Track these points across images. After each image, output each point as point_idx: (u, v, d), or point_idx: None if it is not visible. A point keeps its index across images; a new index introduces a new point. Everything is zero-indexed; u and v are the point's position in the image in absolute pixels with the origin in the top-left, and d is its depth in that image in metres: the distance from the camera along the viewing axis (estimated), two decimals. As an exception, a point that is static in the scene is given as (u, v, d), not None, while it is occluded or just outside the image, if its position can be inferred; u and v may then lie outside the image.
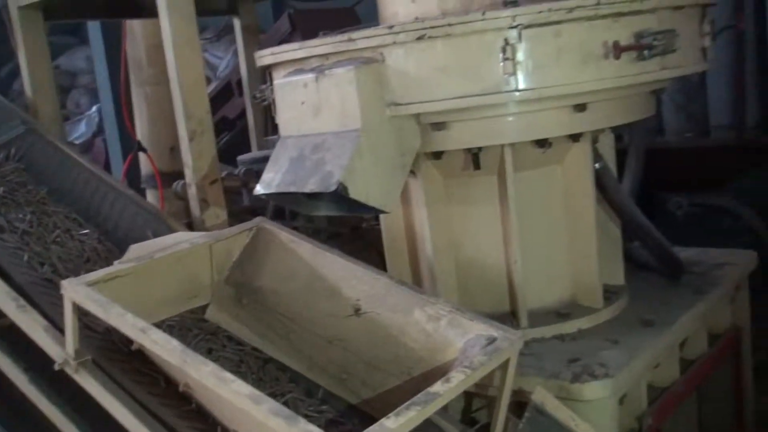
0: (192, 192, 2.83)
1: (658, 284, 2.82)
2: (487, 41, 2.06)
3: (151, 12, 2.91)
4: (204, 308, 2.38)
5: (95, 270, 2.14)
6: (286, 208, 3.37)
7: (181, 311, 2.34)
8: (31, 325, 2.14)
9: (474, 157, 2.36)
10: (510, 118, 2.27)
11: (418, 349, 2.06)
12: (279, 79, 2.36)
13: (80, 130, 9.22)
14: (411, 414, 1.60)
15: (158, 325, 2.00)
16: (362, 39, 2.16)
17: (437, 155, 2.41)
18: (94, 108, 9.10)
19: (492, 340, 1.90)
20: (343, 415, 2.13)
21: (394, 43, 2.12)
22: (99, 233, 2.71)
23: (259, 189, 2.27)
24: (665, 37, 2.14)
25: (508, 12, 2.04)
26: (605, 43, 2.10)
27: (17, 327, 2.18)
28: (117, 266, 2.14)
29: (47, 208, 2.76)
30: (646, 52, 2.12)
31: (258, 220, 2.45)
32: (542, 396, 2.06)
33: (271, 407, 1.60)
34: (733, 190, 5.05)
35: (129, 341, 2.13)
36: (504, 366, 1.90)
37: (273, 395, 2.09)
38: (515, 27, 2.04)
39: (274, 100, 2.43)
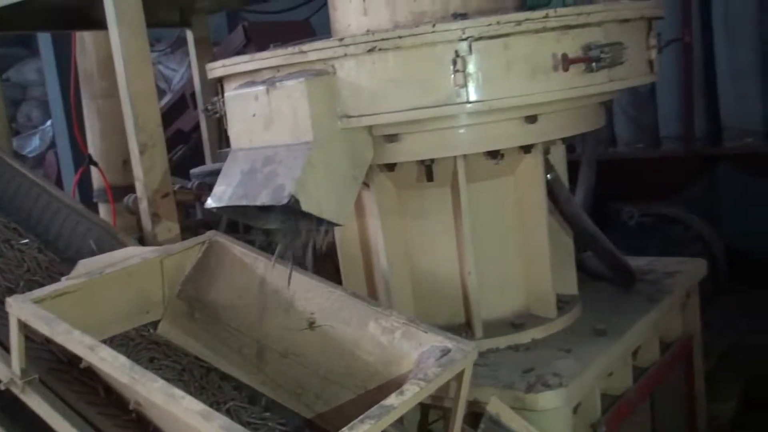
0: (143, 206, 2.79)
1: (610, 293, 2.85)
2: (437, 53, 2.07)
3: (101, 24, 2.87)
4: (155, 322, 2.35)
5: (35, 280, 2.10)
6: (240, 222, 3.34)
7: (133, 327, 2.31)
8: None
9: (427, 168, 2.36)
10: (462, 130, 2.29)
11: (373, 361, 2.05)
12: (230, 91, 2.34)
13: (33, 144, 9.07)
14: (365, 427, 1.59)
15: (104, 340, 1.96)
16: (313, 51, 2.15)
17: (390, 167, 2.41)
18: (48, 122, 8.96)
19: (446, 352, 1.90)
20: (297, 428, 2.12)
21: (345, 55, 2.12)
22: (40, 243, 2.66)
23: (211, 202, 2.25)
24: (612, 49, 2.18)
25: (458, 24, 2.05)
26: (554, 56, 2.12)
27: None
28: (65, 282, 2.10)
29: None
30: (594, 65, 2.14)
31: (211, 233, 2.43)
32: (497, 407, 2.07)
33: (222, 424, 1.58)
34: (684, 200, 5.15)
35: (79, 359, 2.09)
36: (459, 377, 1.90)
37: (216, 404, 2.08)
38: (465, 39, 2.05)
39: (225, 113, 2.41)
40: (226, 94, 2.36)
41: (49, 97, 7.98)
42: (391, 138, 2.26)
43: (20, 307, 1.92)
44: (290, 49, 2.21)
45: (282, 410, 2.15)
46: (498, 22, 2.06)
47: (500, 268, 2.58)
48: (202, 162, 4.42)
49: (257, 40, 5.14)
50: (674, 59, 4.96)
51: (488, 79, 2.09)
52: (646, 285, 2.88)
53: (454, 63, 2.06)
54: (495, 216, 2.55)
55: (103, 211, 4.56)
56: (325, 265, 3.14)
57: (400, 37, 2.06)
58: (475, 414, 2.12)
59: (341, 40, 2.13)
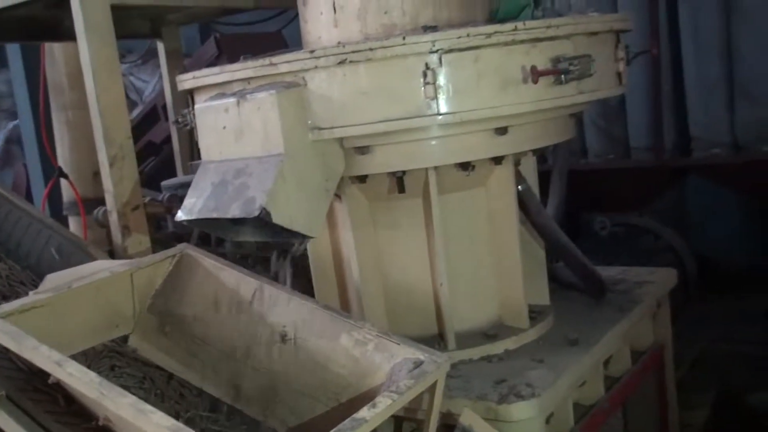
0: (113, 219, 2.77)
1: (582, 303, 2.86)
2: (408, 66, 2.08)
3: (69, 35, 2.85)
4: (125, 337, 2.33)
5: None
6: (212, 234, 3.32)
7: (102, 341, 2.28)
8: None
9: (398, 180, 2.37)
10: (433, 142, 2.29)
11: (346, 374, 2.04)
12: (200, 103, 2.33)
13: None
14: (337, 440, 1.58)
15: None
16: (284, 63, 2.15)
17: (362, 179, 2.41)
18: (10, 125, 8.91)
19: (419, 364, 1.90)
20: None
21: (316, 67, 2.12)
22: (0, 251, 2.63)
23: (181, 215, 2.23)
24: (581, 62, 2.20)
25: (428, 37, 2.06)
26: (523, 68, 2.13)
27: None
28: (33, 297, 2.08)
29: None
30: (563, 77, 2.16)
31: (182, 246, 2.42)
32: (470, 418, 2.07)
33: (192, 439, 1.57)
34: (654, 210, 5.20)
35: (47, 374, 2.05)
36: (431, 389, 1.91)
37: (177, 412, 2.06)
38: (435, 52, 2.06)
39: (196, 125, 2.40)
40: (196, 106, 2.35)
41: (18, 109, 7.89)
42: (363, 150, 2.26)
43: (-14, 323, 1.89)
44: (261, 61, 2.20)
45: (242, 417, 2.15)
46: (468, 35, 2.07)
47: (472, 279, 2.59)
48: (174, 174, 4.39)
49: (229, 51, 5.13)
50: (643, 71, 5.02)
51: (459, 91, 2.10)
52: (617, 295, 2.90)
53: (425, 75, 2.07)
54: (467, 227, 2.56)
55: (74, 224, 4.51)
56: (299, 277, 3.14)
57: (370, 50, 2.07)
58: (448, 426, 2.12)
59: (312, 52, 2.12)
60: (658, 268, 3.25)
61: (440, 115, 2.10)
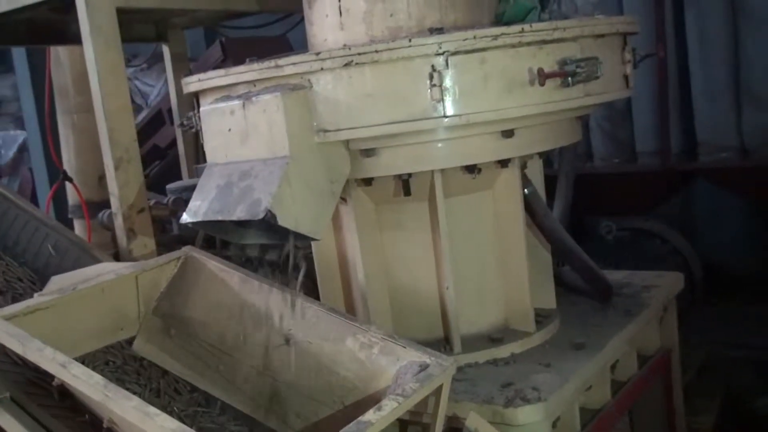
0: (118, 221, 2.77)
1: (588, 307, 2.84)
2: (414, 68, 2.07)
3: (75, 38, 2.85)
4: (130, 339, 2.32)
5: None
6: (217, 237, 3.31)
7: (107, 344, 2.28)
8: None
9: (404, 183, 2.36)
10: (439, 144, 2.28)
11: (351, 377, 2.04)
12: (206, 106, 2.32)
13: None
14: (342, 444, 1.57)
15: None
16: (289, 65, 2.14)
17: (367, 181, 2.40)
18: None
19: (424, 367, 1.89)
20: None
21: (322, 69, 2.12)
22: None
23: (186, 217, 2.23)
24: (588, 64, 2.19)
25: (434, 39, 2.05)
26: (530, 70, 2.12)
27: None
28: (38, 299, 2.07)
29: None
30: (569, 79, 2.15)
31: (186, 249, 2.41)
32: (476, 421, 2.05)
33: (197, 442, 1.56)
34: (661, 214, 5.19)
35: (51, 376, 2.05)
36: (437, 392, 1.90)
37: (172, 408, 2.07)
38: (442, 54, 2.05)
39: (201, 128, 2.40)
40: (201, 109, 2.34)
41: (24, 113, 7.93)
42: (368, 152, 2.26)
43: (-9, 325, 1.89)
44: (266, 64, 2.20)
45: (235, 412, 2.17)
46: (474, 37, 2.06)
47: (478, 282, 2.58)
48: (179, 178, 4.39)
49: (234, 55, 5.13)
50: (650, 75, 5.01)
51: (465, 93, 2.09)
52: (623, 299, 2.88)
53: (431, 77, 2.06)
54: (473, 230, 2.55)
55: (79, 227, 4.51)
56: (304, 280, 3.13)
57: (376, 52, 2.06)
58: (454, 429, 2.11)
59: (318, 54, 2.12)
60: (665, 272, 3.23)
61: (446, 117, 2.10)
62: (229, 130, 2.20)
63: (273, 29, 5.47)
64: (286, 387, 2.13)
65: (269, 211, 2.02)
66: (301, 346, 2.13)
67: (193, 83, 2.44)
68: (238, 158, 2.19)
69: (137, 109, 7.24)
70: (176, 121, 4.32)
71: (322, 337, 2.11)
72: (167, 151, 5.92)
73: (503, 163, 2.43)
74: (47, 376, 2.02)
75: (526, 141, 2.34)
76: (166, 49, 4.30)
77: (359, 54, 2.07)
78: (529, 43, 2.12)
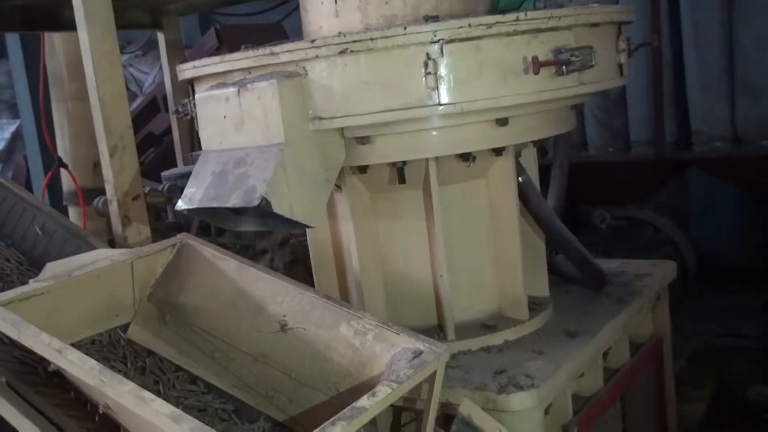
0: (113, 208, 2.76)
1: (581, 295, 2.87)
2: (409, 56, 2.08)
3: (69, 25, 2.84)
4: (125, 326, 2.33)
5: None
6: (212, 224, 3.32)
7: (102, 330, 2.28)
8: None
9: (399, 171, 2.37)
10: (434, 132, 2.29)
11: (346, 364, 2.05)
12: (201, 93, 2.32)
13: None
14: (336, 429, 1.59)
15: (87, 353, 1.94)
16: (284, 53, 2.15)
17: (362, 169, 2.41)
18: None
19: (418, 354, 1.90)
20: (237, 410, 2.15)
21: (317, 57, 2.12)
22: None
23: (181, 204, 2.23)
24: (582, 53, 2.20)
25: (429, 27, 2.06)
26: (525, 59, 2.13)
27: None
28: (33, 285, 2.08)
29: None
30: (564, 68, 2.16)
31: (181, 236, 2.41)
32: (469, 408, 2.07)
33: (193, 426, 1.57)
34: (654, 203, 5.20)
35: (47, 362, 2.06)
36: (431, 379, 1.91)
37: (158, 387, 2.13)
38: (437, 42, 2.06)
39: (196, 114, 2.40)
40: (196, 96, 2.35)
41: (18, 100, 7.89)
42: (363, 140, 2.26)
43: (-14, 310, 1.90)
44: (261, 51, 2.20)
45: (219, 391, 2.20)
46: (469, 25, 2.07)
47: (472, 270, 2.59)
48: (174, 165, 4.39)
49: (230, 42, 5.12)
50: (644, 64, 5.01)
51: (459, 81, 2.10)
52: (616, 287, 2.91)
53: (426, 65, 2.07)
54: (467, 218, 2.56)
55: (74, 214, 4.52)
56: (297, 268, 3.14)
57: (371, 39, 2.07)
58: (447, 416, 2.13)
59: (313, 41, 2.12)
60: (658, 261, 3.25)
61: (441, 105, 2.10)
62: (224, 117, 2.20)
63: (268, 17, 5.47)
64: (280, 373, 2.14)
65: (264, 198, 2.03)
66: (295, 332, 2.14)
67: (188, 70, 2.44)
68: (233, 145, 2.20)
69: (132, 96, 7.22)
70: (171, 108, 4.31)
71: (316, 324, 2.12)
72: (162, 139, 5.92)
73: (498, 152, 2.43)
74: (42, 361, 2.03)
75: (520, 129, 2.35)
76: (161, 36, 4.29)
77: (354, 42, 2.08)
78: (523, 32, 2.13)
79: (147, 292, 2.34)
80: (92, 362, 1.75)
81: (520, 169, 2.57)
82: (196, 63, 2.39)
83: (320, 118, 2.17)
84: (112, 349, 2.28)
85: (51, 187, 4.51)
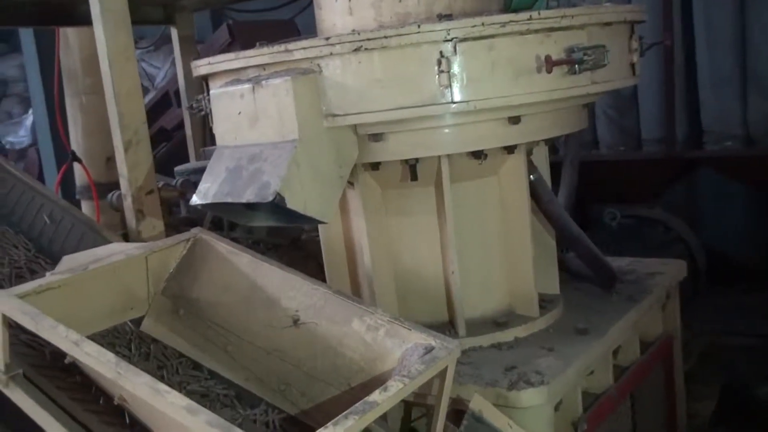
0: (128, 203, 2.79)
1: (591, 293, 2.87)
2: (422, 54, 2.09)
3: (84, 20, 2.86)
4: (140, 319, 2.35)
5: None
6: (225, 219, 3.34)
7: (117, 323, 2.31)
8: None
9: (411, 168, 2.38)
10: (446, 130, 2.31)
11: (357, 359, 2.06)
12: (216, 89, 2.34)
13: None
14: (349, 423, 1.60)
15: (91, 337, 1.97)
16: (299, 50, 2.16)
17: (375, 166, 2.43)
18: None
19: (430, 349, 1.92)
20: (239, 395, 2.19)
21: (331, 54, 2.13)
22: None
23: (196, 199, 2.25)
24: (595, 52, 2.20)
25: (443, 25, 2.07)
26: (537, 57, 2.14)
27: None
28: (49, 278, 2.10)
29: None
30: (576, 67, 2.17)
31: (195, 230, 2.43)
32: (480, 404, 2.08)
33: (208, 419, 1.58)
34: (665, 202, 5.20)
35: (63, 354, 2.08)
36: (442, 374, 1.92)
37: (161, 372, 2.15)
38: (450, 40, 2.07)
39: (210, 111, 2.42)
40: (211, 92, 2.36)
41: (31, 94, 7.94)
42: (376, 137, 2.28)
43: (4, 302, 1.92)
44: (276, 48, 2.22)
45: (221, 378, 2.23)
46: (483, 24, 2.08)
47: (483, 267, 2.60)
48: (185, 160, 4.41)
49: (242, 39, 5.13)
50: (656, 63, 5.01)
51: (472, 79, 2.11)
52: (626, 285, 2.91)
53: (439, 63, 2.08)
54: (478, 216, 2.57)
55: (86, 208, 4.54)
56: (309, 263, 3.16)
57: (385, 37, 2.08)
58: (458, 411, 2.13)
59: (327, 39, 2.14)
60: (668, 260, 3.25)
61: (454, 103, 2.12)
62: (239, 113, 2.22)
63: (280, 13, 5.48)
64: (293, 368, 2.16)
65: (278, 194, 2.05)
66: (308, 327, 2.16)
67: (203, 66, 2.46)
68: (248, 141, 2.21)
69: (143, 91, 7.23)
70: (184, 103, 4.33)
71: (329, 319, 2.13)
72: (173, 134, 5.94)
73: (509, 150, 2.45)
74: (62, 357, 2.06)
75: (532, 128, 2.36)
76: (174, 32, 4.31)
77: (368, 39, 2.09)
78: (536, 31, 2.14)
79: (161, 285, 2.36)
80: (109, 354, 1.77)
81: (531, 167, 2.58)
82: (211, 59, 2.41)
83: (334, 115, 2.19)
84: (116, 334, 2.31)
85: (63, 180, 4.53)
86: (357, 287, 2.70)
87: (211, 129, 2.45)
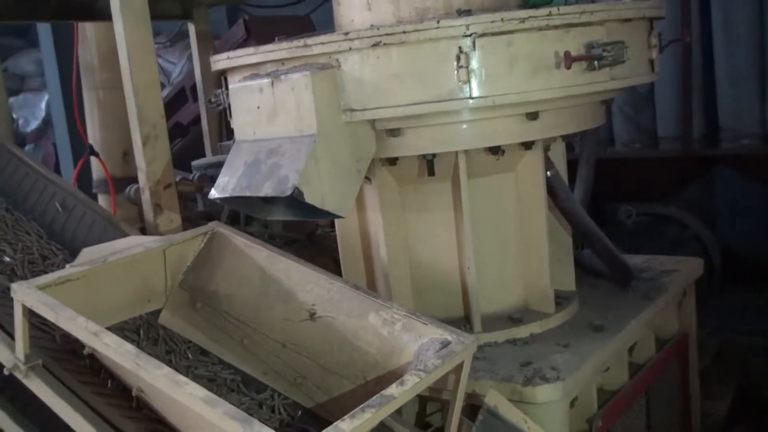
0: (146, 196, 2.81)
1: (607, 290, 2.87)
2: (441, 49, 2.09)
3: (102, 14, 2.88)
4: (157, 312, 2.37)
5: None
6: (241, 214, 3.36)
7: (135, 315, 2.33)
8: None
9: (428, 163, 2.38)
10: (464, 126, 2.31)
11: (373, 353, 2.07)
12: (234, 83, 2.35)
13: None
14: (366, 416, 1.61)
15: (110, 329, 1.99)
16: (318, 45, 2.17)
17: (392, 161, 2.43)
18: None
19: (446, 344, 1.92)
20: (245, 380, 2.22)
21: (350, 49, 2.14)
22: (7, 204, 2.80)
23: (214, 193, 2.27)
24: (614, 48, 2.20)
25: (462, 21, 2.07)
26: (556, 53, 2.14)
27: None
28: (69, 270, 2.12)
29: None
30: (595, 63, 2.17)
31: (213, 224, 2.45)
32: (495, 399, 2.09)
33: (227, 410, 1.60)
34: (681, 200, 5.18)
35: (82, 345, 2.10)
36: (457, 369, 1.92)
37: (169, 355, 2.20)
38: (469, 36, 2.07)
39: (229, 105, 2.43)
40: (230, 86, 2.37)
41: (48, 88, 7.98)
42: (394, 132, 2.28)
43: (25, 293, 1.94)
44: (295, 43, 2.22)
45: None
46: (502, 19, 2.08)
47: (499, 263, 2.61)
48: (200, 155, 4.43)
49: (258, 34, 5.14)
50: (673, 60, 4.99)
51: (491, 75, 2.11)
52: (642, 282, 2.90)
53: (458, 59, 2.08)
54: (495, 211, 2.57)
55: (103, 202, 4.56)
56: (325, 258, 3.17)
57: (404, 33, 2.08)
58: (473, 406, 2.14)
59: (346, 34, 2.14)
60: (684, 258, 3.24)
61: (472, 98, 2.12)
62: (258, 107, 2.23)
63: (296, 8, 5.50)
64: (309, 361, 2.17)
65: (297, 188, 2.05)
66: (324, 321, 2.17)
67: (221, 61, 2.47)
68: (266, 136, 2.22)
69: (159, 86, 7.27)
70: (201, 98, 4.35)
71: (345, 313, 2.14)
72: (189, 129, 5.97)
73: (527, 146, 2.44)
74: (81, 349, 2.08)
75: (550, 124, 2.35)
76: (191, 27, 4.33)
77: (387, 35, 2.09)
78: (556, 27, 2.14)
79: (179, 278, 2.38)
80: (128, 346, 1.79)
81: (548, 163, 2.58)
82: (230, 54, 2.42)
83: (352, 110, 2.19)
84: (126, 319, 2.33)
85: (79, 175, 4.56)
86: (373, 282, 2.71)
87: (227, 124, 2.47)
